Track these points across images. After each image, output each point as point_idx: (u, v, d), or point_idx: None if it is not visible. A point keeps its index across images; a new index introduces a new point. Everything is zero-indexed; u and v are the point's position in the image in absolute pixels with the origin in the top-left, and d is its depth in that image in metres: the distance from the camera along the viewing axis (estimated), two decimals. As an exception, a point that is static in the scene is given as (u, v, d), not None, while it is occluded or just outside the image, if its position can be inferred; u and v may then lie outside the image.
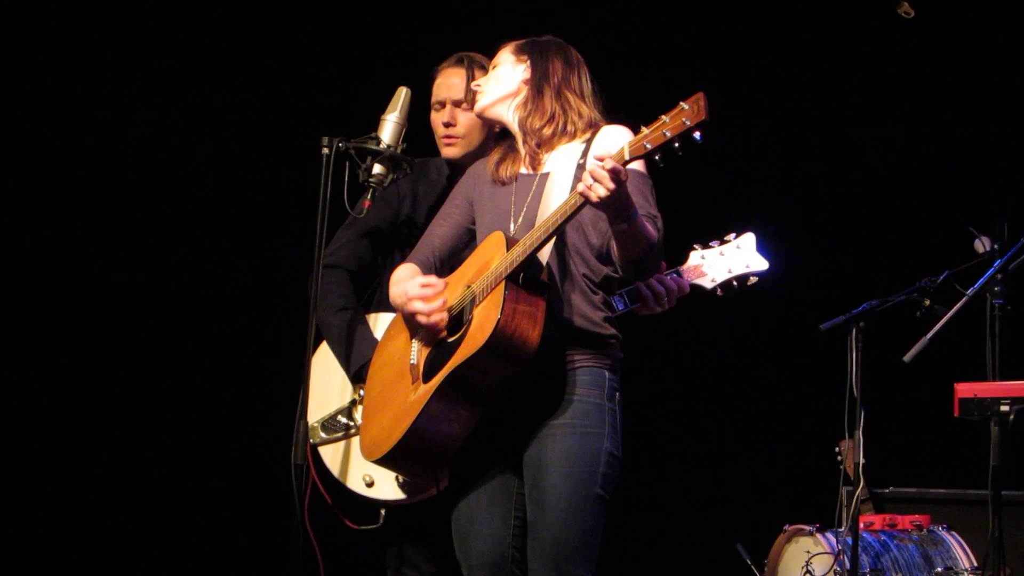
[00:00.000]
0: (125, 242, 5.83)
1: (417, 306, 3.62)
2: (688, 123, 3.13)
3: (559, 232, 3.49)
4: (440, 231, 3.84)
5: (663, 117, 3.20)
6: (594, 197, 3.28)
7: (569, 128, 3.69)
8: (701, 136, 3.14)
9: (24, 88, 5.67)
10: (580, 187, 3.31)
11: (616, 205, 3.32)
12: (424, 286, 3.63)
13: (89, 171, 5.78)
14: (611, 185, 3.25)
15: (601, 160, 3.26)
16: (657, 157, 3.22)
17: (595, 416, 3.55)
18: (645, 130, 3.24)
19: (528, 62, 3.75)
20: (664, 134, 3.18)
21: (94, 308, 5.80)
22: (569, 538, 3.48)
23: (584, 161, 3.60)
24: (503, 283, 3.45)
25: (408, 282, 3.67)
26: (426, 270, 3.77)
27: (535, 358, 3.45)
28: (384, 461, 3.71)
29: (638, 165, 3.57)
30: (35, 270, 5.71)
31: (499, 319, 3.40)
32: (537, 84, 3.71)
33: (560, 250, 3.60)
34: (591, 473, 3.51)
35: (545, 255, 3.53)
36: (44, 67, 5.70)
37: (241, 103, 5.88)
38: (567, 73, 3.73)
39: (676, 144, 3.18)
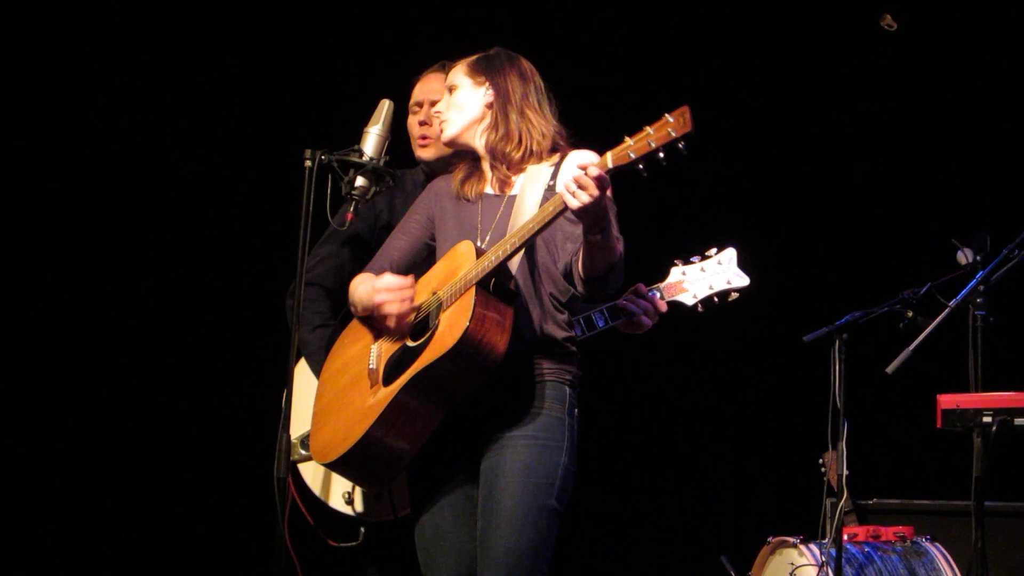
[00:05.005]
0: (106, 255, 5.81)
1: (383, 296, 3.60)
2: (674, 134, 3.20)
3: (532, 242, 3.51)
4: (399, 244, 3.85)
5: (647, 128, 3.25)
6: (577, 203, 3.30)
7: (535, 148, 3.71)
8: (685, 147, 3.21)
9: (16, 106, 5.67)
10: (562, 192, 3.33)
11: (595, 213, 3.34)
12: (391, 286, 3.61)
13: (68, 186, 5.76)
14: (595, 192, 3.29)
15: (584, 168, 3.28)
16: (641, 166, 3.26)
17: (556, 430, 3.58)
18: (629, 140, 3.28)
19: (487, 83, 3.74)
20: (649, 144, 3.23)
21: (75, 320, 5.77)
22: (524, 548, 3.49)
23: (553, 183, 3.63)
24: (473, 289, 3.47)
25: (375, 279, 3.65)
26: None
27: (501, 366, 3.47)
28: (337, 465, 3.70)
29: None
30: (12, 290, 5.68)
31: (468, 324, 3.42)
32: (502, 107, 3.72)
33: (529, 268, 3.62)
34: (548, 485, 3.54)
35: (514, 268, 3.55)
36: (34, 82, 5.70)
37: (224, 115, 5.87)
38: (525, 89, 3.74)
39: (661, 154, 3.22)
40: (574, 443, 3.61)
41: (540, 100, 3.75)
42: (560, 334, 3.64)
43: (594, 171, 3.28)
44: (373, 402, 3.61)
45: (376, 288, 3.63)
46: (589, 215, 3.35)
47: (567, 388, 3.63)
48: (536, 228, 3.44)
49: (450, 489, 3.64)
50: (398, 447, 3.59)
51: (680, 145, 3.20)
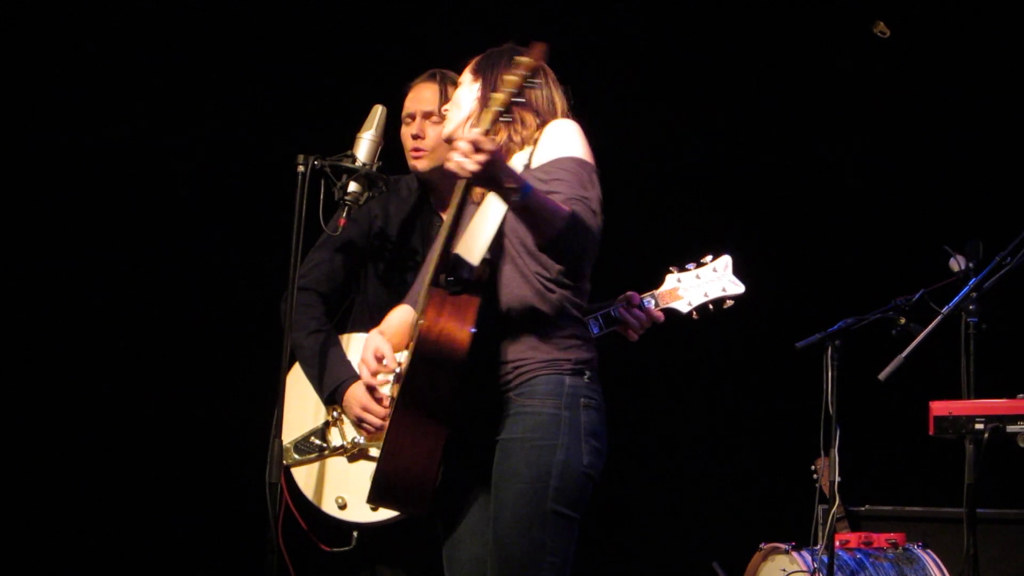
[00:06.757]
0: (99, 260, 5.79)
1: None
2: (522, 73, 3.24)
3: (455, 231, 3.41)
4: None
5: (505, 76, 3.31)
6: (464, 171, 3.19)
7: (516, 138, 3.58)
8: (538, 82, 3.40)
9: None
10: (449, 164, 3.23)
11: (488, 176, 3.21)
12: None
13: (61, 191, 5.74)
14: (477, 156, 3.16)
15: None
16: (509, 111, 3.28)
17: (548, 428, 3.40)
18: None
19: (480, 80, 3.66)
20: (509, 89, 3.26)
21: (69, 325, 5.76)
22: (519, 555, 3.36)
23: (530, 162, 3.53)
24: (426, 289, 3.41)
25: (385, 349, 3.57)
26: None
27: (470, 358, 3.31)
28: (377, 501, 3.59)
29: (576, 152, 3.50)
30: (7, 297, 5.68)
31: (420, 322, 3.33)
32: (484, 101, 3.57)
33: (509, 250, 3.48)
34: (540, 489, 3.37)
35: (476, 253, 3.40)
36: (30, 87, 5.69)
37: (217, 121, 5.86)
38: None
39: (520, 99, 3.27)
40: (579, 437, 3.41)
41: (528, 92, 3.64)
42: (552, 315, 3.46)
43: (469, 133, 3.25)
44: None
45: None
46: (482, 179, 3.23)
47: (565, 378, 3.44)
48: (450, 219, 3.38)
49: (466, 498, 3.55)
50: (416, 466, 3.45)
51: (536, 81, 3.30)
